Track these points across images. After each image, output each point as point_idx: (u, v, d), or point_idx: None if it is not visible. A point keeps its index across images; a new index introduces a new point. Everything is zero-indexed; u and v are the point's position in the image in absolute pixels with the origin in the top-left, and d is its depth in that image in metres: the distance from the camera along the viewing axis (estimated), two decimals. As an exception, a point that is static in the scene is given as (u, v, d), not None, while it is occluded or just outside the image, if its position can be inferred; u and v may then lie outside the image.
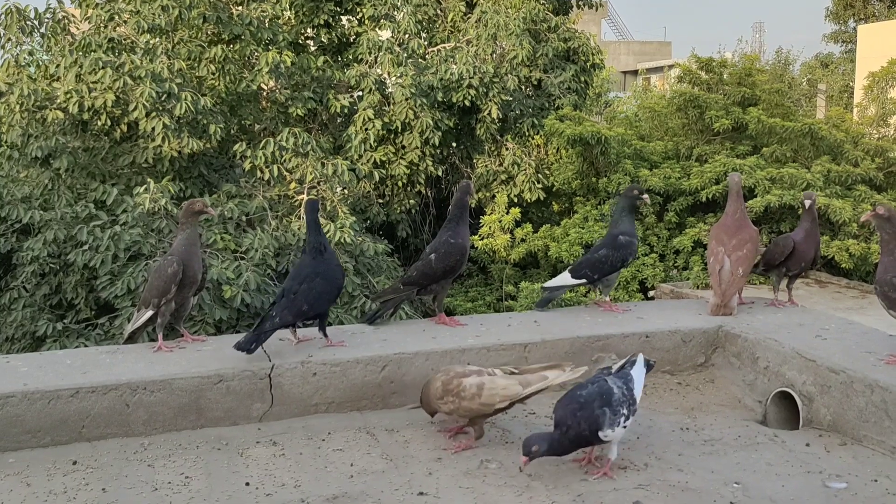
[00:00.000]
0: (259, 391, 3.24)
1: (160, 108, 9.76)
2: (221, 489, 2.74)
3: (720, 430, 3.31)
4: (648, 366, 3.05)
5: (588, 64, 14.18)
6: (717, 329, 3.87)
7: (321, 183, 10.62)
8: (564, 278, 4.19)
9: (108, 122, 9.88)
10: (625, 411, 2.77)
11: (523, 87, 13.76)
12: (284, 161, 10.28)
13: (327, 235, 9.87)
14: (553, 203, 14.41)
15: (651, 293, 11.18)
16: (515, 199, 13.40)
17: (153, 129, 9.66)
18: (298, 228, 10.08)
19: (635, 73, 34.12)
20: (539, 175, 13.56)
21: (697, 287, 10.62)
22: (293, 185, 10.82)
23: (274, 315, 3.29)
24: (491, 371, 3.01)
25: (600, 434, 2.71)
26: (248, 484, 2.78)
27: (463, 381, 2.93)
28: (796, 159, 11.91)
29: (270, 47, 11.45)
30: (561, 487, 2.76)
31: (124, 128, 10.21)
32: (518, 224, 13.15)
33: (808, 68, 29.07)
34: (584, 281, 4.12)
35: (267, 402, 3.25)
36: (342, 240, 9.90)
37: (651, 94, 21.06)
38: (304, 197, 10.47)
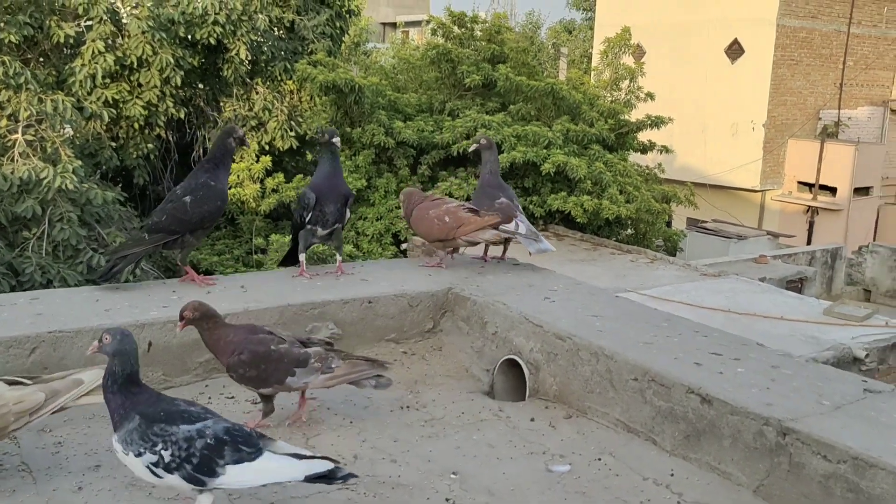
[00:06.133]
0: None
1: None
2: None
3: (443, 406, 2.98)
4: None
5: (344, 9, 13.65)
6: (447, 291, 3.55)
7: (40, 121, 9.22)
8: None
9: None
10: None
11: (275, 29, 12.96)
12: (-7, 94, 8.83)
13: (46, 181, 8.59)
14: (307, 152, 13.79)
15: (404, 246, 11.02)
16: (267, 147, 12.66)
17: None
18: (12, 172, 8.66)
19: (395, 25, 33.88)
20: (292, 122, 12.90)
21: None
22: (4, 122, 9.33)
23: None
24: None
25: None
26: None
27: None
28: (539, 118, 12.22)
29: (-24, -37, 9.69)
30: (246, 497, 2.27)
31: None
32: (269, 173, 12.44)
33: (554, 33, 30.46)
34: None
35: None
36: (64, 186, 8.69)
37: (408, 47, 20.88)
38: (18, 136, 9.03)
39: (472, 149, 4.07)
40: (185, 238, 3.27)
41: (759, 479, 2.39)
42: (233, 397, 2.91)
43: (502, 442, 2.71)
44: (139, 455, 1.97)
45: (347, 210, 3.66)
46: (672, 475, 2.50)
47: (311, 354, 2.60)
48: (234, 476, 1.96)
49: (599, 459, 2.60)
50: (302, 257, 3.63)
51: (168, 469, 1.95)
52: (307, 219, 3.56)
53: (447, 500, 2.32)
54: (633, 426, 2.74)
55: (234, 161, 3.42)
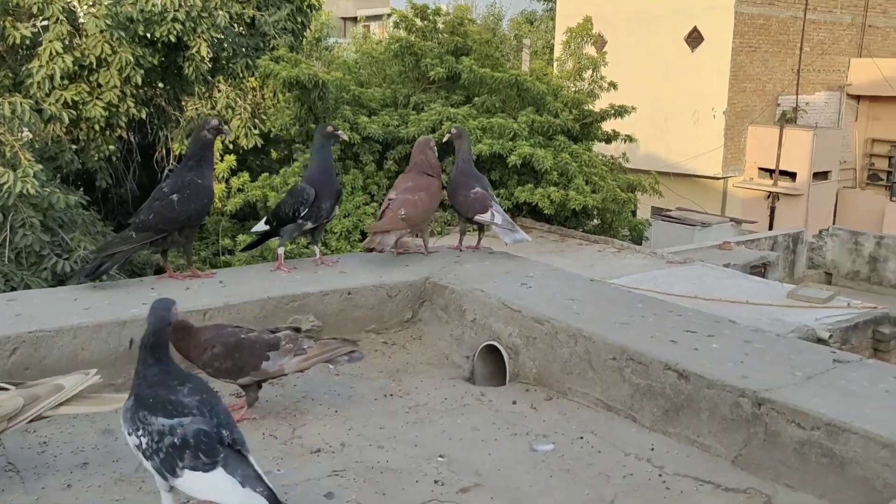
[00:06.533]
0: None
1: None
2: None
3: (426, 392, 3.03)
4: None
5: (305, 4, 13.56)
6: (425, 281, 3.59)
7: (-3, 125, 9.06)
8: (261, 225, 3.76)
9: None
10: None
11: (235, 25, 12.84)
12: (-53, 97, 8.63)
13: (6, 186, 8.44)
14: (272, 150, 13.70)
15: (372, 243, 11.03)
16: (230, 146, 12.53)
17: None
18: (-30, 177, 8.51)
19: (355, 19, 33.75)
20: (255, 120, 12.79)
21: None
22: (-40, 125, 9.14)
23: None
24: None
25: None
26: None
27: None
28: (504, 109, 12.28)
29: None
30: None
31: None
32: (234, 173, 12.33)
33: (516, 24, 30.59)
34: (268, 227, 3.69)
35: None
36: (25, 191, 8.54)
37: (370, 41, 20.83)
38: (-31, 141, 8.88)
39: (444, 139, 4.12)
40: (172, 236, 3.27)
41: (737, 450, 2.46)
42: (217, 391, 2.91)
43: (486, 425, 2.75)
44: (129, 434, 2.01)
45: (336, 206, 3.70)
46: (652, 450, 2.57)
47: (282, 337, 2.64)
48: (188, 482, 1.94)
49: (581, 438, 2.66)
50: (281, 251, 3.65)
51: (144, 455, 1.97)
52: (302, 214, 3.57)
53: (436, 481, 2.37)
54: (612, 405, 2.81)
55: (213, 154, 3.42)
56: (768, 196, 20.29)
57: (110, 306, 2.96)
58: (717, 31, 19.43)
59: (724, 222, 15.73)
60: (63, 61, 10.65)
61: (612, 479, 2.43)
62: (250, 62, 12.50)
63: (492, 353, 3.28)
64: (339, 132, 3.76)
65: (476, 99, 12.28)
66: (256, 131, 12.61)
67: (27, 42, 10.88)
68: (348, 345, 2.74)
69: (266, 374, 2.64)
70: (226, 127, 3.38)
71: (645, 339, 2.82)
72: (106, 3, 10.67)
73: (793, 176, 19.94)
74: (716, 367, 2.60)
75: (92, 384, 2.26)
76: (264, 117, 13.26)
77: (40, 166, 9.12)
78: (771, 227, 18.72)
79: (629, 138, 13.15)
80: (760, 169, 20.46)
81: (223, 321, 2.94)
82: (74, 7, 11.36)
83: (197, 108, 13.39)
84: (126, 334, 2.86)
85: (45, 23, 11.00)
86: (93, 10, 10.87)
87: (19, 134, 9.56)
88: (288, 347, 2.62)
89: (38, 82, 10.66)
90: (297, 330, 2.76)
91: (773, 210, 20.12)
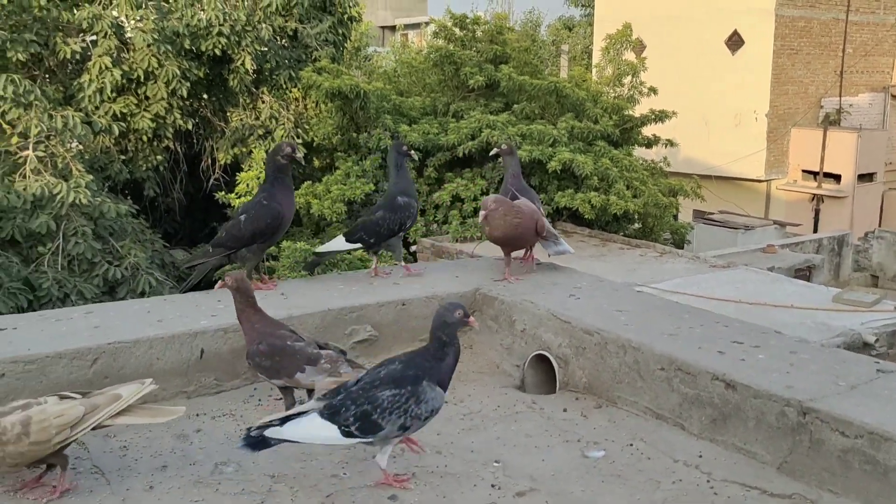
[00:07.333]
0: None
1: None
2: None
3: (479, 400, 3.15)
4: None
5: (345, 16, 13.81)
6: (475, 292, 3.71)
7: (50, 137, 9.37)
8: (338, 242, 3.87)
9: None
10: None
11: (278, 38, 13.12)
12: (3, 112, 8.94)
13: (59, 196, 8.74)
14: (314, 159, 13.94)
15: (413, 248, 11.19)
16: (275, 156, 12.76)
17: None
18: (25, 189, 8.82)
19: (393, 28, 34.06)
20: (298, 130, 13.05)
21: (456, 241, 10.77)
22: (15, 139, 9.48)
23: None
24: (42, 400, 2.35)
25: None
26: None
27: (1, 423, 2.26)
28: (544, 116, 12.37)
29: (-21, -17, 9.87)
30: (307, 488, 2.44)
31: None
32: (277, 181, 12.53)
33: (554, 30, 30.63)
34: (359, 245, 3.83)
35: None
36: (78, 201, 8.84)
37: (409, 50, 21.04)
38: (30, 153, 9.19)
39: (492, 153, 4.25)
40: (240, 252, 3.51)
41: (783, 457, 2.55)
42: (281, 399, 3.07)
43: (539, 432, 2.87)
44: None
45: None
46: (700, 456, 2.66)
47: (323, 356, 2.78)
48: None
49: (631, 445, 2.76)
50: (376, 259, 3.93)
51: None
52: (407, 226, 3.81)
53: (493, 486, 2.49)
54: (661, 413, 2.91)
55: (290, 176, 3.63)
56: (812, 198, 20.06)
57: (181, 318, 3.14)
58: (758, 33, 19.30)
59: (768, 225, 15.60)
60: (112, 75, 10.97)
61: (661, 484, 2.53)
62: (293, 74, 12.76)
63: (541, 362, 3.40)
64: (412, 152, 3.95)
65: (515, 106, 12.39)
66: (299, 140, 12.85)
67: (76, 57, 11.23)
68: None
69: (297, 384, 2.80)
70: (298, 154, 3.60)
71: (693, 350, 2.91)
72: (153, 18, 10.96)
73: (837, 178, 19.69)
74: (762, 377, 2.68)
75: (148, 393, 2.40)
76: (307, 127, 13.51)
77: (91, 177, 9.41)
78: (815, 230, 18.51)
79: (670, 142, 13.14)
80: (804, 171, 20.24)
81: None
82: (122, 22, 11.69)
83: (241, 119, 13.71)
84: (197, 344, 3.03)
85: (94, 38, 11.36)
86: (140, 24, 11.17)
87: (70, 146, 9.88)
88: (325, 367, 2.76)
89: (89, 96, 11.00)
90: (343, 353, 2.89)
91: (817, 212, 19.89)
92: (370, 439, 2.34)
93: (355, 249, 3.91)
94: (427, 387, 2.35)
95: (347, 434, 2.31)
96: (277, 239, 3.72)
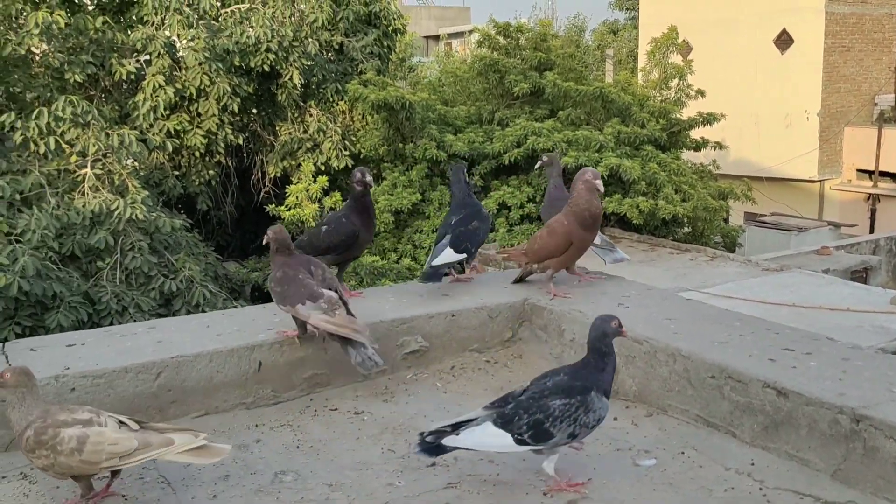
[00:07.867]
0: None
1: None
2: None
3: (530, 409, 3.18)
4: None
5: (390, 28, 13.98)
6: (523, 302, 3.76)
7: (107, 155, 9.66)
8: (449, 254, 3.87)
9: None
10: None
11: (325, 52, 13.36)
12: (62, 132, 9.23)
13: (116, 212, 9.01)
14: (361, 171, 14.10)
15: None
16: (322, 168, 13.03)
17: None
18: (84, 206, 9.11)
19: (437, 38, 34.27)
20: (346, 142, 13.26)
21: (503, 248, 10.80)
22: (74, 158, 9.78)
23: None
24: (103, 420, 2.41)
25: None
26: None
27: (61, 433, 2.33)
28: (589, 122, 12.35)
29: (40, 6, 10.21)
30: (364, 497, 2.51)
31: None
32: (326, 193, 12.79)
33: (599, 35, 30.48)
34: (465, 256, 3.90)
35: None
36: (134, 216, 9.10)
37: (453, 60, 21.16)
38: (88, 171, 9.50)
39: (536, 166, 4.31)
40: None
41: (836, 464, 2.54)
42: (336, 409, 3.16)
43: (589, 440, 2.89)
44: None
45: None
46: (753, 464, 2.66)
47: (324, 297, 3.03)
48: None
49: (683, 453, 2.78)
50: (471, 265, 4.14)
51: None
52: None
53: (544, 493, 2.53)
54: (712, 421, 2.91)
55: (369, 196, 3.91)
56: (868, 198, 19.58)
57: (239, 332, 3.25)
58: (808, 32, 18.95)
59: (822, 226, 15.28)
60: (165, 93, 11.29)
61: (713, 492, 2.53)
62: (340, 87, 12.97)
63: (590, 370, 3.42)
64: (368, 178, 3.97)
65: (560, 112, 12.40)
66: (347, 152, 13.05)
67: (131, 76, 11.58)
68: (363, 337, 3.03)
69: (296, 314, 3.06)
70: (368, 177, 3.84)
71: (743, 358, 2.91)
72: (204, 37, 11.24)
73: (893, 177, 19.19)
74: (814, 384, 2.67)
75: (197, 446, 2.41)
76: (354, 139, 13.71)
77: (146, 193, 9.66)
78: (872, 231, 18.05)
79: (719, 145, 13.00)
80: (859, 170, 19.77)
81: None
82: (174, 42, 12.02)
83: (290, 133, 13.97)
84: (255, 358, 3.13)
85: (148, 57, 11.70)
86: (192, 44, 11.47)
87: (126, 163, 10.18)
88: (323, 307, 3.01)
89: (144, 114, 11.33)
90: (345, 304, 3.10)
91: (873, 212, 19.40)
92: (540, 447, 2.47)
93: (461, 260, 3.98)
94: (595, 396, 2.49)
95: (520, 442, 2.44)
96: (355, 254, 4.00)
